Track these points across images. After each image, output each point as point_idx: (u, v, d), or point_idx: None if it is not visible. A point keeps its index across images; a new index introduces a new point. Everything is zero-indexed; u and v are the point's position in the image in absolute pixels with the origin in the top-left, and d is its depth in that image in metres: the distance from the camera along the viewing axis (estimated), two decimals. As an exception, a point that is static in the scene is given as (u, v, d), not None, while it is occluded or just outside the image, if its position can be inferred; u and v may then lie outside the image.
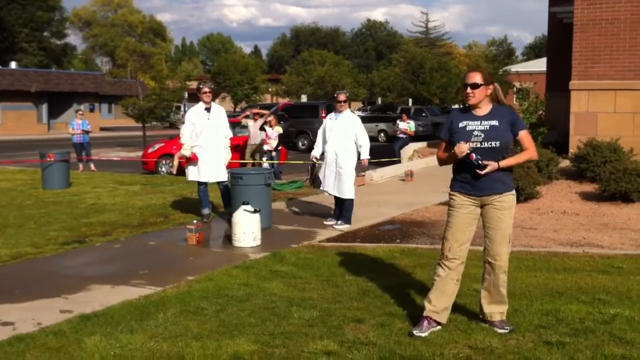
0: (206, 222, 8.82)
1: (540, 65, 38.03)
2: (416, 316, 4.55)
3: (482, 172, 4.26)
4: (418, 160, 16.83)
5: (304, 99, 43.86)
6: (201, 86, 8.99)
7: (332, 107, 9.17)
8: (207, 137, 8.87)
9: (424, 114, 35.41)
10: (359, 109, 47.18)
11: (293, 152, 23.15)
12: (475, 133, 4.31)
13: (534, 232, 7.95)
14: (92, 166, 18.14)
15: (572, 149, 12.61)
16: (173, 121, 40.00)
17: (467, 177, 4.37)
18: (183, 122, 9.45)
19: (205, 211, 9.03)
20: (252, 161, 15.03)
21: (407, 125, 19.64)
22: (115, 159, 21.71)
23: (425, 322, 4.41)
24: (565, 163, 12.37)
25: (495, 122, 4.33)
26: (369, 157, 8.76)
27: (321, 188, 8.95)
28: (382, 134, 31.92)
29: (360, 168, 9.33)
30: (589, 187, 10.83)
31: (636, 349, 4.07)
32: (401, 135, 19.62)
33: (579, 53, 13.35)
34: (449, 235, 4.45)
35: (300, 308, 4.95)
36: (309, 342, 4.24)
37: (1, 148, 27.46)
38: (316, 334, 4.39)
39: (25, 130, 41.20)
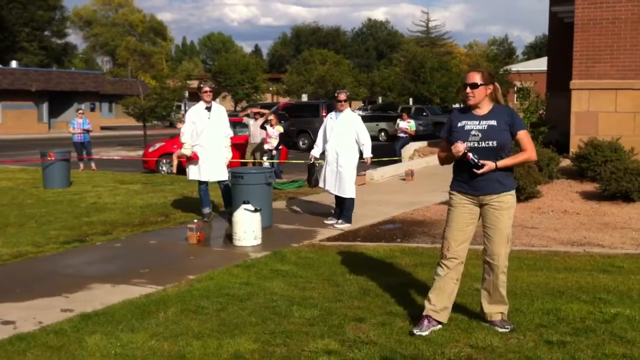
0: (207, 221, 8.83)
1: (541, 64, 38.05)
2: (417, 315, 4.55)
3: (479, 172, 4.26)
4: (419, 159, 16.83)
5: (304, 98, 43.88)
6: (202, 85, 8.99)
7: (332, 106, 9.17)
8: (207, 136, 8.87)
9: (424, 114, 35.43)
10: (359, 109, 47.17)
11: (294, 152, 23.15)
12: (473, 133, 4.32)
13: (534, 232, 7.95)
14: (93, 165, 18.15)
15: (573, 149, 12.61)
16: (173, 120, 40.04)
17: (465, 177, 4.38)
18: (180, 121, 9.46)
19: (206, 210, 9.03)
20: (252, 160, 15.03)
21: (407, 125, 19.62)
22: (115, 158, 21.71)
23: (426, 321, 4.41)
24: (566, 162, 12.37)
25: (493, 122, 4.33)
26: (371, 155, 8.76)
27: (321, 186, 8.95)
28: (382, 134, 31.92)
29: (362, 167, 9.33)
30: (589, 187, 10.83)
31: (637, 348, 4.07)
32: (402, 135, 19.60)
33: (579, 52, 13.35)
34: (448, 234, 4.46)
35: (301, 307, 4.95)
36: (309, 341, 4.24)
37: (2, 147, 27.47)
38: (317, 333, 4.39)
39: (26, 129, 41.23)
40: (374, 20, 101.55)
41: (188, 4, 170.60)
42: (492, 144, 4.29)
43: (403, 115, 20.48)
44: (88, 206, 10.43)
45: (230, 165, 9.19)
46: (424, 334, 4.33)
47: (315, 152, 9.06)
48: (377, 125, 31.96)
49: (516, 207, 4.55)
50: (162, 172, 16.54)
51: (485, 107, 4.41)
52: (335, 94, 8.78)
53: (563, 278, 5.72)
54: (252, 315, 4.80)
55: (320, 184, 8.95)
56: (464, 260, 4.50)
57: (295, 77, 49.72)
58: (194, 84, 31.58)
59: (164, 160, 16.69)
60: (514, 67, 44.13)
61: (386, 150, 19.19)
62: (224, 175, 8.98)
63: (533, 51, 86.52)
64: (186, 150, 8.96)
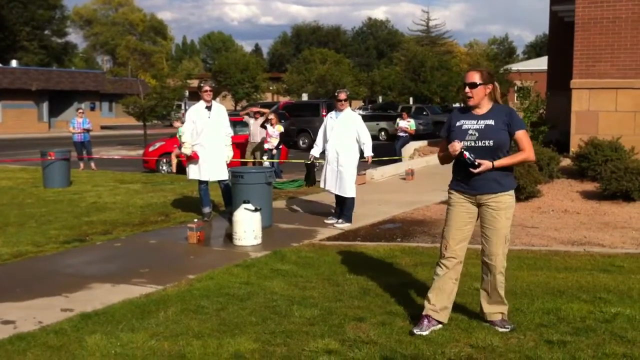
0: (207, 221, 8.82)
1: (541, 63, 37.99)
2: (417, 315, 4.54)
3: (475, 171, 4.26)
4: (419, 159, 16.83)
5: (304, 97, 43.86)
6: (202, 85, 8.98)
7: (332, 105, 9.17)
8: (207, 135, 8.87)
9: (424, 113, 35.43)
10: (359, 108, 47.17)
11: (294, 151, 23.15)
12: (470, 132, 4.33)
13: (535, 231, 7.95)
14: (93, 165, 18.14)
15: (573, 148, 12.60)
16: (173, 119, 40.02)
17: (463, 176, 4.38)
18: (176, 119, 9.46)
19: (206, 210, 9.03)
20: (252, 160, 15.02)
21: (407, 124, 19.61)
22: (116, 157, 21.71)
23: (426, 321, 4.41)
24: (566, 162, 12.36)
25: (490, 122, 4.33)
26: (372, 153, 8.76)
27: (322, 187, 8.95)
28: (382, 133, 31.92)
29: (362, 166, 9.32)
30: (590, 186, 10.83)
31: (637, 348, 4.07)
32: (402, 134, 19.59)
33: (580, 52, 13.34)
34: (446, 233, 4.46)
35: (301, 307, 4.95)
36: (309, 341, 4.24)
37: (2, 146, 27.48)
38: (317, 333, 4.39)
39: (26, 128, 41.24)
40: (374, 19, 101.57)
41: (188, 3, 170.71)
42: (489, 143, 4.28)
43: (403, 115, 20.47)
44: (88, 206, 10.43)
45: (230, 164, 9.19)
46: (424, 333, 4.32)
47: (315, 151, 9.06)
48: (377, 124, 31.96)
49: (516, 207, 4.55)
50: (162, 172, 16.54)
51: (485, 107, 4.41)
52: (336, 94, 8.78)
53: (563, 277, 5.72)
54: (252, 315, 4.80)
55: (321, 185, 8.95)
56: (463, 259, 4.49)
57: (295, 77, 49.69)
58: (194, 83, 31.61)
59: (164, 160, 16.70)
60: (514, 67, 44.10)
61: (386, 149, 19.18)
62: (224, 174, 8.98)
63: (533, 50, 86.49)
64: (186, 150, 8.96)
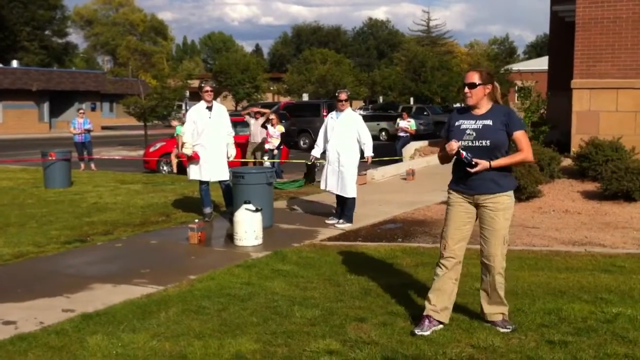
0: (208, 221, 8.82)
1: (542, 63, 37.94)
2: (418, 315, 4.54)
3: (472, 171, 4.26)
4: (419, 159, 16.83)
5: (305, 97, 43.87)
6: (203, 85, 8.98)
7: (333, 105, 9.17)
8: (208, 136, 8.87)
9: (425, 113, 35.44)
10: (360, 108, 47.16)
11: (294, 151, 23.15)
12: (468, 132, 4.34)
13: (536, 231, 7.94)
14: (93, 166, 18.14)
15: (574, 148, 12.60)
16: (172, 119, 40.04)
17: (461, 175, 4.39)
18: (174, 118, 9.45)
19: (207, 210, 9.03)
20: (253, 160, 15.02)
21: (407, 124, 19.61)
22: (116, 157, 21.72)
23: (427, 321, 4.41)
24: (567, 162, 12.36)
25: (489, 122, 4.33)
26: (372, 154, 8.76)
27: (322, 187, 8.95)
28: (383, 133, 31.92)
29: (363, 166, 9.32)
30: (590, 186, 10.82)
31: (639, 348, 4.07)
32: (402, 134, 19.59)
33: (580, 52, 13.33)
34: (445, 232, 4.47)
35: (302, 307, 4.95)
36: (311, 341, 4.24)
37: (3, 147, 27.48)
38: (318, 333, 4.39)
39: (26, 129, 41.24)
40: (374, 19, 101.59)
41: (189, 3, 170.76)
42: (486, 143, 4.29)
43: (403, 115, 20.47)
44: (89, 206, 10.43)
45: (230, 164, 9.19)
46: (425, 333, 4.32)
47: (316, 152, 9.07)
48: (377, 124, 31.96)
49: (517, 207, 4.56)
50: (163, 172, 16.55)
51: (484, 107, 4.41)
52: (336, 94, 8.78)
53: (564, 278, 5.72)
54: (253, 315, 4.80)
55: (321, 186, 8.96)
56: (462, 259, 4.49)
57: (296, 77, 49.72)
58: (195, 83, 31.56)
59: (165, 160, 16.70)
60: (515, 67, 44.09)
61: (387, 149, 19.17)
62: (225, 175, 8.98)
63: (534, 50, 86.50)
64: (187, 150, 8.96)
